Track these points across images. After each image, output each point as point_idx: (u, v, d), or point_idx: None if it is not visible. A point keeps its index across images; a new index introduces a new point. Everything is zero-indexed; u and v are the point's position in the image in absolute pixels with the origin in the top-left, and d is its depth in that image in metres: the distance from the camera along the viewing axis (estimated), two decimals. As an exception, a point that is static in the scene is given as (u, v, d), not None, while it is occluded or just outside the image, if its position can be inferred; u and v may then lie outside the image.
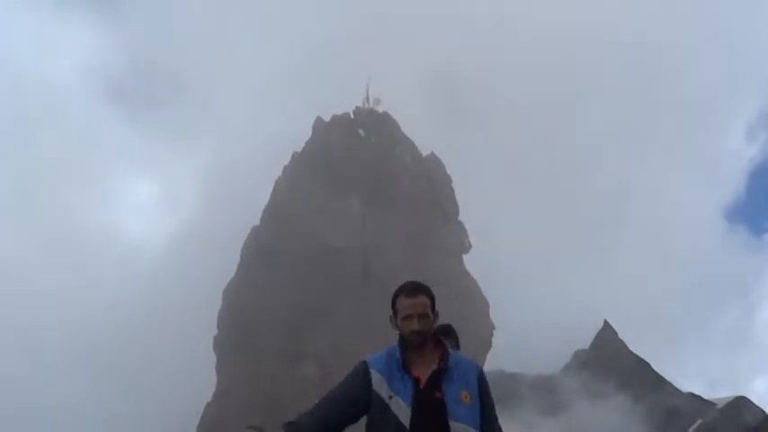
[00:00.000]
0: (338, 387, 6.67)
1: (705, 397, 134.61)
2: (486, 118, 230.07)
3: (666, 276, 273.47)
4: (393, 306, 6.71)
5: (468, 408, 6.39)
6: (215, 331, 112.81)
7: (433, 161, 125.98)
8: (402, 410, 6.32)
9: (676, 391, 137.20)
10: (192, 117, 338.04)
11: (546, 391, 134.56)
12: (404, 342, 6.62)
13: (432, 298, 6.76)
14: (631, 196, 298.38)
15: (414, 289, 6.65)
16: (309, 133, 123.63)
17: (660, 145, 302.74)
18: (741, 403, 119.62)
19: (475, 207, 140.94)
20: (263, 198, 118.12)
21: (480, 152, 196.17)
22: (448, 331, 7.75)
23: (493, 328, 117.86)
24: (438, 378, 6.47)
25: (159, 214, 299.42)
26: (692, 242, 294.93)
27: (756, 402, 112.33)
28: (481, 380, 6.66)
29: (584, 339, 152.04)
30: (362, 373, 6.56)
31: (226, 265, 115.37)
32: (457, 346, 7.93)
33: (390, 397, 6.39)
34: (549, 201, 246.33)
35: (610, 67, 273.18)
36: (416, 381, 6.47)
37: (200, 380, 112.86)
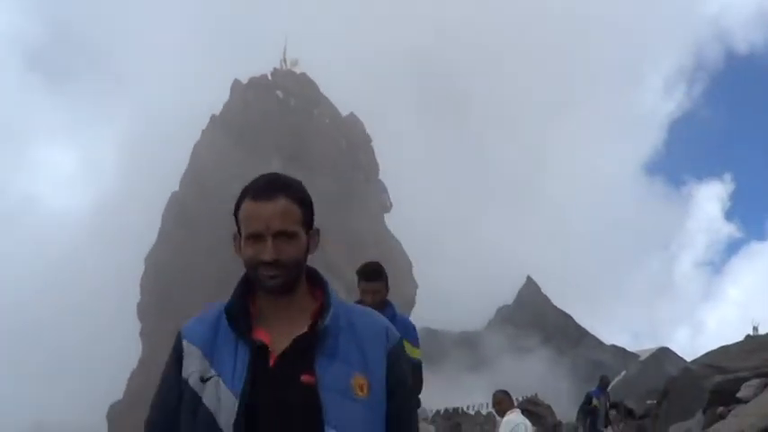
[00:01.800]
0: (156, 396, 3.18)
1: (628, 349, 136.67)
2: (405, 77, 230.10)
3: (588, 231, 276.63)
4: (236, 219, 3.31)
5: (363, 405, 3.02)
6: (138, 298, 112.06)
7: (353, 121, 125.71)
8: (223, 402, 3.05)
9: (600, 344, 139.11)
10: (111, 85, 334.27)
11: (470, 347, 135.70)
12: (249, 284, 3.28)
13: (304, 202, 3.18)
14: (553, 153, 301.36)
15: (268, 188, 3.12)
16: (227, 96, 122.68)
17: (582, 102, 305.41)
18: (663, 354, 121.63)
19: (396, 166, 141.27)
20: (183, 163, 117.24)
21: (400, 111, 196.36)
22: (376, 273, 6.68)
23: (416, 286, 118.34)
24: (307, 349, 3.08)
25: (79, 183, 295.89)
26: (613, 196, 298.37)
27: (678, 353, 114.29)
28: (394, 356, 3.16)
29: (508, 295, 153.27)
30: (174, 355, 3.30)
31: (147, 231, 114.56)
32: (385, 292, 6.98)
33: (205, 379, 3.17)
34: (472, 159, 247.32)
35: (533, 27, 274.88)
36: (259, 350, 3.10)
37: (124, 346, 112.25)
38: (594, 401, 25.91)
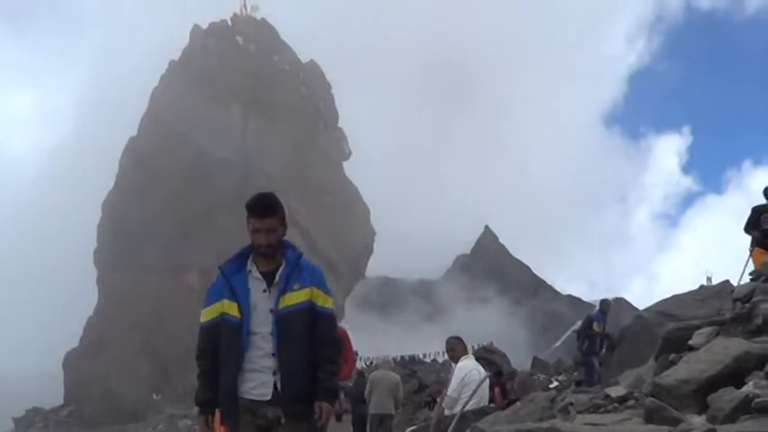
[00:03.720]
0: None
1: (584, 299, 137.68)
2: (365, 21, 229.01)
3: (546, 181, 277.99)
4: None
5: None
6: (95, 245, 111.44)
7: (313, 68, 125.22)
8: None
9: (556, 294, 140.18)
10: (69, 27, 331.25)
11: (427, 296, 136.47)
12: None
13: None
14: (513, 103, 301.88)
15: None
16: (187, 42, 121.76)
17: (542, 52, 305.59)
18: (618, 304, 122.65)
19: (356, 114, 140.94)
20: (142, 109, 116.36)
21: (360, 58, 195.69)
22: (269, 208, 7.05)
23: (374, 233, 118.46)
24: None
25: (37, 128, 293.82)
26: (572, 147, 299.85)
27: (633, 303, 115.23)
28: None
29: (465, 244, 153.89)
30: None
31: (104, 177, 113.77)
32: (282, 230, 7.18)
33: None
34: (432, 108, 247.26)
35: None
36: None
37: (80, 294, 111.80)
38: (595, 326, 25.93)
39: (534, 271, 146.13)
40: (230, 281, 6.83)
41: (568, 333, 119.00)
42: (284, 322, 6.64)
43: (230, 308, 6.73)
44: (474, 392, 13.20)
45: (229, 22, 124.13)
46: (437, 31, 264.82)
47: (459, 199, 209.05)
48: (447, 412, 13.64)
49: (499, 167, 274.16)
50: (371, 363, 65.66)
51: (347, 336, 12.46)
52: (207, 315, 6.94)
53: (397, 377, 26.45)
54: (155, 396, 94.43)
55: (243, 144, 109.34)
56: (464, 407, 12.76)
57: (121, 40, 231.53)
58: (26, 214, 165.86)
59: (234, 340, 6.63)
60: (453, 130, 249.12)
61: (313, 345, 6.74)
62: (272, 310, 6.69)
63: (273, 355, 6.63)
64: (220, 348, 6.76)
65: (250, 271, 6.87)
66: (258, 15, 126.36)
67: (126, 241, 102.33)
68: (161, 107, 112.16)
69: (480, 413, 12.96)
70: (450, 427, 11.90)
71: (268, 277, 6.79)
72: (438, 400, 15.54)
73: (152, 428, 79.17)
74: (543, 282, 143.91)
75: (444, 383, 21.84)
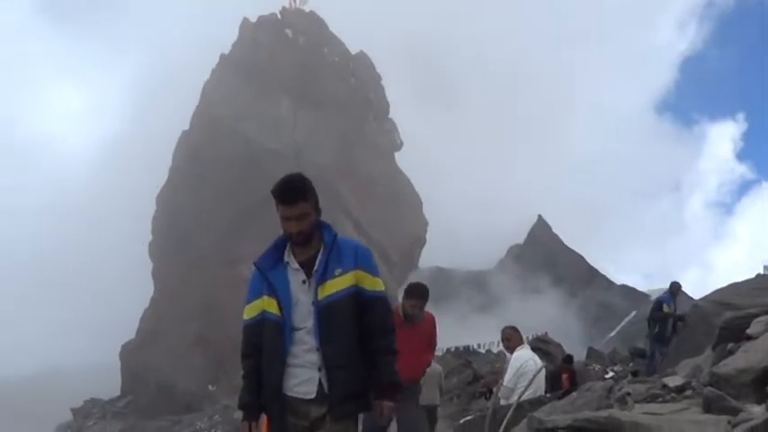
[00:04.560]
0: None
1: (638, 289, 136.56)
2: (414, 10, 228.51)
3: (599, 170, 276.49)
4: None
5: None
6: (150, 238, 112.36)
7: (362, 59, 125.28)
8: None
9: (610, 284, 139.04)
10: (120, 24, 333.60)
11: (480, 287, 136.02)
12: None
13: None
14: (565, 92, 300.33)
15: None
16: (236, 35, 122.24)
17: (593, 40, 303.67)
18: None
19: (406, 104, 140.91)
20: (193, 102, 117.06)
21: (410, 48, 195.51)
22: (296, 192, 6.39)
23: (426, 224, 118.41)
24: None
25: (90, 124, 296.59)
26: (625, 135, 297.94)
27: (689, 293, 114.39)
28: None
29: (518, 234, 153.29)
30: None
31: (158, 171, 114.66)
32: (314, 215, 6.50)
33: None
34: (484, 97, 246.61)
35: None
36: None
37: (137, 287, 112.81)
38: (665, 308, 25.67)
39: (588, 260, 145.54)
40: (267, 276, 6.35)
41: (623, 324, 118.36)
42: (325, 314, 6.13)
43: (270, 305, 6.29)
44: (530, 382, 13.19)
45: (279, 16, 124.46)
46: (486, 20, 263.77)
47: (512, 188, 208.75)
48: (503, 402, 13.60)
49: (552, 157, 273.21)
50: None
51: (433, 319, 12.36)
52: (248, 313, 6.50)
53: (440, 368, 26.46)
54: (210, 387, 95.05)
55: (293, 136, 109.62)
56: (520, 397, 12.75)
57: (173, 35, 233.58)
58: (82, 209, 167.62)
59: (276, 339, 6.20)
60: (505, 120, 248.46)
61: (364, 335, 6.25)
62: (313, 303, 6.18)
63: (318, 350, 6.14)
64: (263, 347, 6.35)
65: (287, 263, 6.36)
66: (307, 8, 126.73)
67: (179, 234, 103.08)
68: (212, 101, 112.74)
69: (537, 403, 12.92)
70: (506, 418, 11.88)
71: (307, 267, 6.28)
72: (494, 390, 15.48)
73: (207, 419, 79.63)
74: (597, 271, 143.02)
75: (499, 374, 21.80)
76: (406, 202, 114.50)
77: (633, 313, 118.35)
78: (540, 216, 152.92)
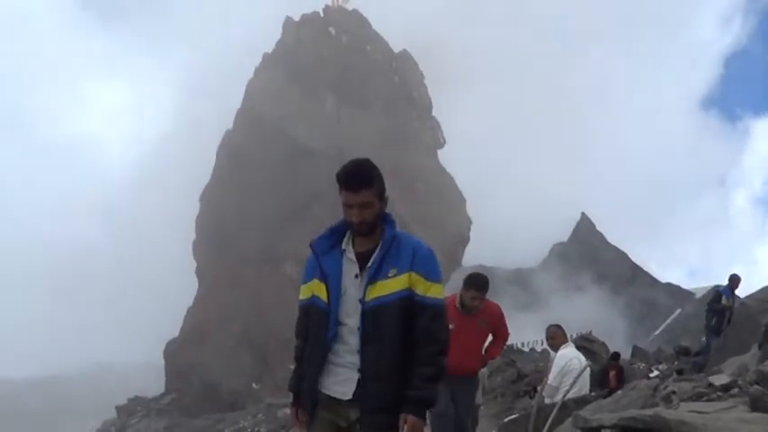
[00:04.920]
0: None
1: (683, 286, 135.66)
2: (457, 8, 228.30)
3: (643, 167, 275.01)
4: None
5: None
6: (194, 236, 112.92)
7: (405, 58, 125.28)
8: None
9: (654, 281, 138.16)
10: (163, 23, 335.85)
11: (524, 285, 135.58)
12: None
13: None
14: (608, 88, 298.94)
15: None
16: (280, 34, 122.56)
17: (636, 36, 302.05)
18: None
19: (449, 102, 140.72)
20: (237, 102, 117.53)
21: (453, 46, 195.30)
22: (362, 178, 6.00)
23: (470, 222, 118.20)
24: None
25: (135, 124, 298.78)
26: (668, 131, 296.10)
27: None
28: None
29: (562, 232, 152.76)
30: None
31: (202, 170, 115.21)
32: (379, 204, 6.08)
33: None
34: (527, 94, 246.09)
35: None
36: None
37: (181, 286, 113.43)
38: (724, 300, 25.44)
39: (632, 258, 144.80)
40: (320, 261, 5.98)
41: (667, 322, 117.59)
42: (370, 317, 5.68)
43: (320, 290, 5.92)
44: (575, 381, 13.15)
45: (321, 14, 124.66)
46: (529, 18, 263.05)
47: (555, 186, 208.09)
48: (547, 401, 13.57)
49: (596, 154, 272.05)
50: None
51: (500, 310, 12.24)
52: (302, 293, 6.18)
53: (484, 367, 26.40)
54: (254, 385, 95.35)
55: (337, 134, 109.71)
56: (565, 395, 12.71)
57: (216, 35, 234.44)
58: (127, 208, 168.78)
59: (320, 328, 5.86)
60: (549, 117, 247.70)
61: (411, 343, 5.72)
62: (360, 301, 5.74)
63: (359, 352, 5.73)
64: (309, 333, 6.06)
65: (344, 250, 5.96)
66: (350, 6, 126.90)
67: (223, 233, 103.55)
68: (256, 100, 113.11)
69: (581, 402, 12.87)
70: (551, 416, 11.85)
71: (363, 260, 5.84)
72: (538, 388, 15.45)
73: (251, 417, 79.80)
74: (641, 269, 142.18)
75: (543, 372, 21.72)
76: (450, 201, 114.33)
77: (677, 311, 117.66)
78: (583, 213, 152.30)
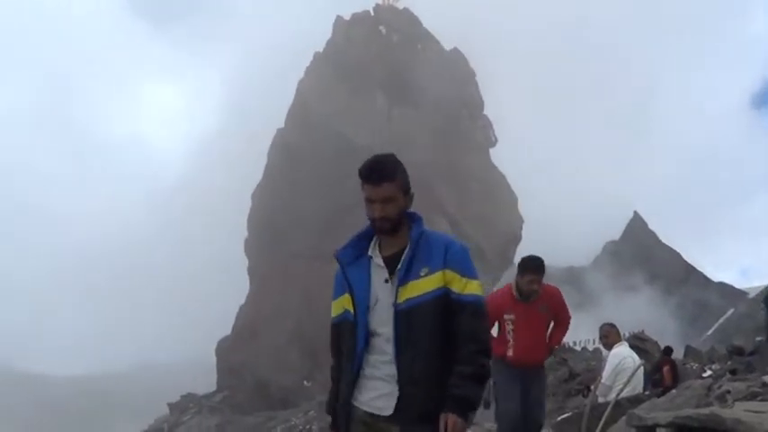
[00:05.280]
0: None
1: (736, 286, 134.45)
2: (508, 7, 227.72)
3: (695, 165, 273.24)
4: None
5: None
6: (245, 234, 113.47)
7: (457, 56, 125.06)
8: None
9: (707, 281, 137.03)
10: (214, 24, 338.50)
11: (576, 284, 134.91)
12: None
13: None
14: (659, 87, 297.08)
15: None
16: (330, 33, 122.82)
17: (688, 34, 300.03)
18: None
19: (501, 101, 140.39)
20: (288, 101, 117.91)
21: (504, 44, 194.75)
22: (383, 172, 5.74)
23: (522, 221, 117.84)
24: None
25: (185, 123, 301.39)
26: (721, 129, 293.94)
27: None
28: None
29: (614, 231, 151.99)
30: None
31: (253, 169, 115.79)
32: (403, 201, 5.71)
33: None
34: (578, 93, 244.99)
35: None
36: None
37: (233, 283, 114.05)
38: None
39: (684, 257, 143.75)
40: (345, 271, 5.63)
41: (720, 322, 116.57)
42: (403, 320, 5.29)
43: (349, 303, 5.54)
44: (629, 380, 13.12)
45: (372, 13, 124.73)
46: (580, 17, 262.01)
47: (608, 184, 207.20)
48: (601, 400, 13.55)
49: (649, 153, 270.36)
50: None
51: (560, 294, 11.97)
52: (333, 310, 5.80)
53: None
54: (305, 383, 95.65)
55: (388, 133, 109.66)
56: (618, 394, 12.68)
57: (267, 35, 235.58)
58: (178, 207, 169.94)
59: (351, 344, 5.47)
60: (600, 115, 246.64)
61: (451, 344, 5.32)
62: (393, 305, 5.35)
63: (396, 361, 5.32)
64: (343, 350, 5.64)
65: (371, 257, 5.60)
66: (400, 5, 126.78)
67: (275, 230, 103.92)
68: (307, 99, 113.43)
69: (635, 400, 12.86)
70: (605, 415, 11.83)
71: (392, 264, 5.47)
72: (591, 387, 15.41)
73: (302, 414, 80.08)
74: (694, 268, 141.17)
75: (596, 371, 21.67)
76: (502, 199, 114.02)
77: (730, 311, 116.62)
78: (635, 212, 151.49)
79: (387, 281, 5.43)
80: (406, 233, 5.54)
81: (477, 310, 5.41)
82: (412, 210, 5.69)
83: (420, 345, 5.27)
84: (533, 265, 11.24)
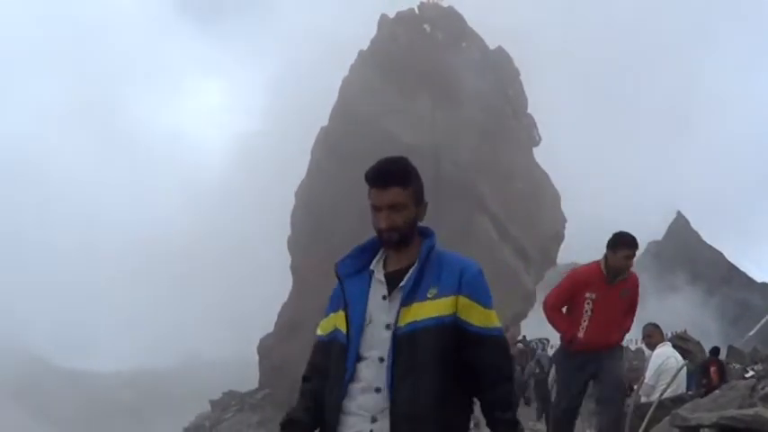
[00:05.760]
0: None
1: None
2: (552, 6, 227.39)
3: (739, 164, 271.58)
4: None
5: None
6: (289, 232, 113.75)
7: (501, 54, 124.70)
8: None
9: (750, 281, 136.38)
10: (259, 21, 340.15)
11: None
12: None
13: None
14: (703, 83, 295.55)
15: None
16: (375, 31, 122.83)
17: (732, 29, 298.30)
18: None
19: (544, 99, 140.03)
20: (332, 98, 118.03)
21: (546, 44, 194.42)
22: (392, 174, 5.28)
23: (565, 220, 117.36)
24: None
25: (229, 121, 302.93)
26: (764, 128, 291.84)
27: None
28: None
29: (657, 230, 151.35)
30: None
31: (297, 167, 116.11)
32: (413, 208, 5.25)
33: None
34: (622, 90, 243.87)
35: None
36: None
37: (276, 280, 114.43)
38: None
39: (727, 257, 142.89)
40: (342, 284, 5.21)
41: (762, 322, 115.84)
42: (406, 345, 4.67)
43: (342, 322, 5.05)
44: (672, 380, 13.08)
45: (416, 11, 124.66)
46: (624, 13, 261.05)
47: (651, 184, 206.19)
48: (644, 399, 13.54)
49: (691, 152, 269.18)
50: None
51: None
52: (321, 328, 5.42)
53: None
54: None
55: (431, 131, 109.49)
56: (662, 394, 12.66)
57: (311, 32, 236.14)
58: (222, 204, 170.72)
59: (338, 367, 4.95)
60: (644, 114, 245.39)
61: (479, 381, 4.81)
62: (388, 326, 4.82)
63: (377, 390, 4.72)
64: (330, 375, 5.11)
65: (373, 271, 5.16)
66: (445, 3, 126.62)
67: (318, 228, 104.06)
68: (351, 97, 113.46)
69: (678, 400, 12.82)
70: (648, 415, 11.82)
71: (395, 280, 5.00)
72: (635, 387, 15.38)
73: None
74: (736, 268, 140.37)
75: (639, 371, 21.62)
76: (545, 198, 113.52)
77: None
78: (679, 212, 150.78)
79: (384, 297, 4.93)
80: (417, 249, 5.09)
81: (502, 346, 4.94)
82: (428, 225, 5.28)
83: (422, 375, 4.64)
84: (628, 239, 11.23)
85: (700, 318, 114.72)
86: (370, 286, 5.04)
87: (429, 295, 4.79)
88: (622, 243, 10.86)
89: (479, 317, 4.81)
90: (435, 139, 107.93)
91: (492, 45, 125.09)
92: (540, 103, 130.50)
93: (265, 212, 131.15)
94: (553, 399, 12.06)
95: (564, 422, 11.20)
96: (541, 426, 30.68)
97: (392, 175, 5.17)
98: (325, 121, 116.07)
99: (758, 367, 36.70)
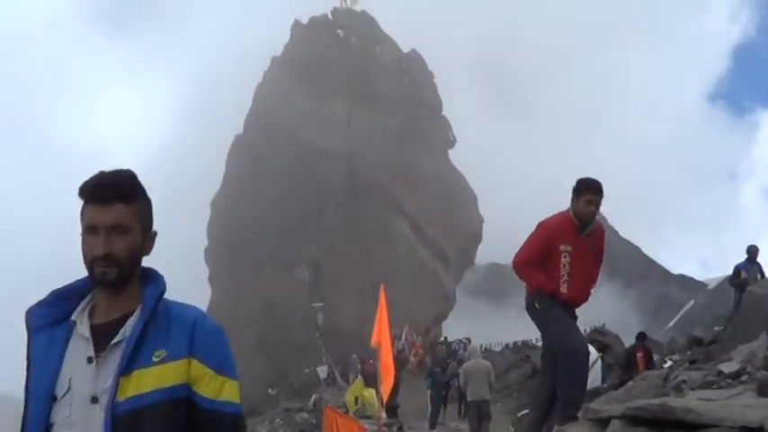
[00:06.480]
0: None
1: (696, 278, 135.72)
2: (468, 9, 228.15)
3: (653, 161, 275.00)
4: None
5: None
6: (205, 243, 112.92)
7: (414, 58, 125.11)
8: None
9: (667, 274, 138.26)
10: (170, 31, 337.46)
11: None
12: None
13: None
14: (616, 81, 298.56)
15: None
16: (288, 37, 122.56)
17: (645, 29, 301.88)
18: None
19: (458, 101, 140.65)
20: (245, 106, 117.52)
21: (458, 46, 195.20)
22: (117, 192, 3.85)
23: (482, 221, 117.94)
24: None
25: (141, 129, 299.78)
26: (678, 124, 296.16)
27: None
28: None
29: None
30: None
31: (212, 176, 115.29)
32: (137, 245, 3.96)
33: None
34: (535, 89, 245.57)
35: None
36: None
37: (193, 293, 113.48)
38: (743, 274, 25.61)
39: (644, 251, 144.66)
40: (31, 339, 3.60)
41: (681, 314, 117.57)
42: (124, 428, 3.37)
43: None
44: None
45: (330, 16, 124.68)
46: (536, 13, 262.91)
47: (565, 182, 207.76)
48: (560, 394, 13.70)
49: (605, 148, 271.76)
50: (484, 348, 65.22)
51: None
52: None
53: (489, 364, 26.76)
54: (270, 391, 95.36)
55: (348, 136, 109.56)
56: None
57: (222, 39, 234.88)
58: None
59: None
60: (557, 112, 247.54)
61: None
62: (94, 399, 3.44)
63: None
64: None
65: (75, 322, 3.62)
66: (358, 7, 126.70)
67: (236, 238, 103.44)
68: (265, 104, 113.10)
69: (593, 393, 13.04)
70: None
71: (106, 336, 3.58)
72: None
73: (268, 423, 79.86)
74: (654, 262, 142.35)
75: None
76: (461, 199, 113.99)
77: (691, 302, 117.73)
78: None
79: (91, 360, 3.52)
80: (138, 293, 3.76)
81: (236, 426, 3.74)
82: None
83: None
84: (591, 184, 10.44)
85: (619, 312, 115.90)
86: (68, 342, 3.58)
87: (155, 359, 3.53)
88: (585, 188, 10.07)
89: (212, 386, 3.64)
90: (351, 144, 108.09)
91: (405, 48, 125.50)
92: (455, 105, 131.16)
93: (181, 223, 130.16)
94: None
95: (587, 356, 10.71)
96: (463, 425, 30.86)
97: (117, 188, 3.74)
98: (239, 130, 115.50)
99: (676, 357, 37.32)
